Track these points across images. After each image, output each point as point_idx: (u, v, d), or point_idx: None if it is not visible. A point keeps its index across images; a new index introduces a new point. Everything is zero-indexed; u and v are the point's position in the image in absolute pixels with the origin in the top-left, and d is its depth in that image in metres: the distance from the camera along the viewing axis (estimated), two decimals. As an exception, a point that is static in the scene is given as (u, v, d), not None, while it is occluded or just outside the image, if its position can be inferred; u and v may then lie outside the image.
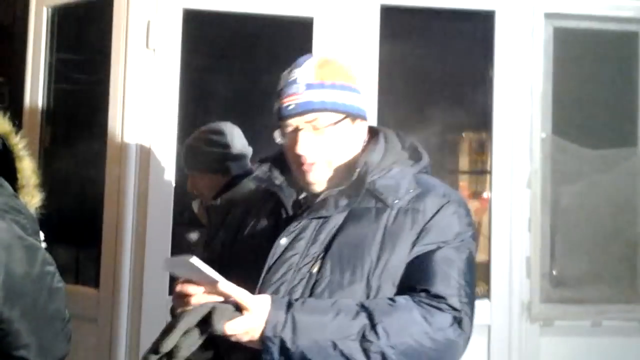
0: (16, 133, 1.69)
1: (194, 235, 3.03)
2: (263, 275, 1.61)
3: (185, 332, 1.44)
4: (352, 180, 1.69)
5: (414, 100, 3.70)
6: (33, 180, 1.69)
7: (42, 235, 1.69)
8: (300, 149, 1.71)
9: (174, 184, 3.22)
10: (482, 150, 3.86)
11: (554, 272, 3.58)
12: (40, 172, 3.51)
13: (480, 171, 3.94)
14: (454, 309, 1.56)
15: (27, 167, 1.68)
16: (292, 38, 3.56)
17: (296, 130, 1.72)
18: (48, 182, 3.50)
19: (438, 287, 1.57)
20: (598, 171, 3.61)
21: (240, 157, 2.60)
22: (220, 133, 2.58)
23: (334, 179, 1.72)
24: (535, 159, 3.51)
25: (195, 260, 1.45)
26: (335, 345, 1.47)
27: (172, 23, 3.39)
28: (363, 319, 1.50)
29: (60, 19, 3.73)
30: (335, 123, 1.72)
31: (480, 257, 3.25)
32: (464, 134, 3.97)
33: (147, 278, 3.29)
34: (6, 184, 1.60)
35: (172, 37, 3.39)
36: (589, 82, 3.66)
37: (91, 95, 3.69)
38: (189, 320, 1.46)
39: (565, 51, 3.62)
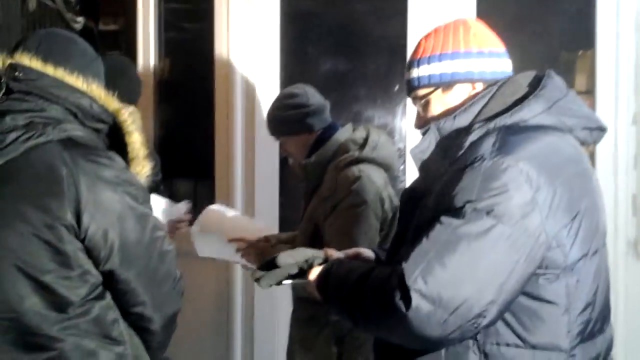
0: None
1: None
2: None
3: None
4: None
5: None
6: (142, 152, 1.82)
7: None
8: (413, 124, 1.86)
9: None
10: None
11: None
12: (155, 120, 3.79)
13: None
14: None
15: (136, 140, 1.82)
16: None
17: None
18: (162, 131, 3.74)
19: None
20: None
21: (318, 113, 2.70)
22: (294, 96, 2.71)
23: None
24: (640, 95, 3.42)
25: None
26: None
27: (271, -24, 3.50)
28: None
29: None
30: (423, 97, 1.78)
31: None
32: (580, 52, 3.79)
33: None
34: (118, 158, 1.76)
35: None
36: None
37: (198, 44, 3.87)
38: (293, 255, 1.76)
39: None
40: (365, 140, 2.65)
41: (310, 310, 2.70)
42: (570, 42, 3.54)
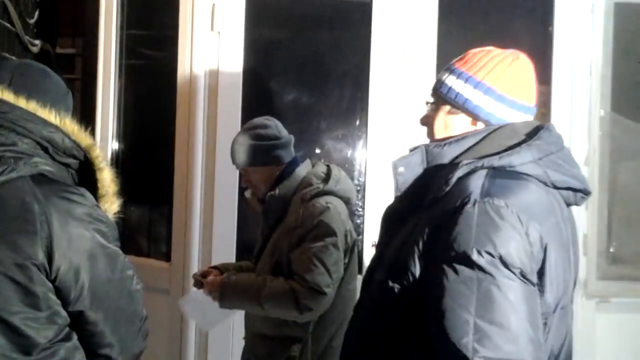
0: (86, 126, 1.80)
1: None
2: None
3: None
4: None
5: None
6: (112, 188, 1.79)
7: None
8: None
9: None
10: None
11: (611, 250, 3.60)
12: (115, 151, 3.74)
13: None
14: None
15: (107, 177, 1.79)
16: (353, 19, 3.64)
17: None
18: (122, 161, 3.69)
19: None
20: (658, 148, 3.60)
21: (287, 146, 2.74)
22: (265, 127, 2.73)
23: None
24: (593, 137, 3.52)
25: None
26: None
27: (235, 6, 3.51)
28: None
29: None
30: (436, 103, 1.80)
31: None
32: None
33: (215, 251, 3.47)
34: (89, 195, 1.72)
35: (235, 20, 3.50)
36: (649, 59, 3.64)
37: (160, 71, 3.85)
38: None
39: (626, 27, 3.60)
40: (328, 174, 2.70)
41: (270, 347, 2.69)
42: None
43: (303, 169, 2.72)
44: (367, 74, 3.51)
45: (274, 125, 2.73)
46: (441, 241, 1.55)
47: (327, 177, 2.68)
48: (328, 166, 2.76)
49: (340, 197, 2.68)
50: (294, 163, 2.73)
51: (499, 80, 1.72)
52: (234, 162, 2.75)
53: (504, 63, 1.74)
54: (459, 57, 1.80)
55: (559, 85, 3.53)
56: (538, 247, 1.55)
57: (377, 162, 3.51)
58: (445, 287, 1.52)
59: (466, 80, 1.73)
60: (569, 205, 1.76)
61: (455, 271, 1.51)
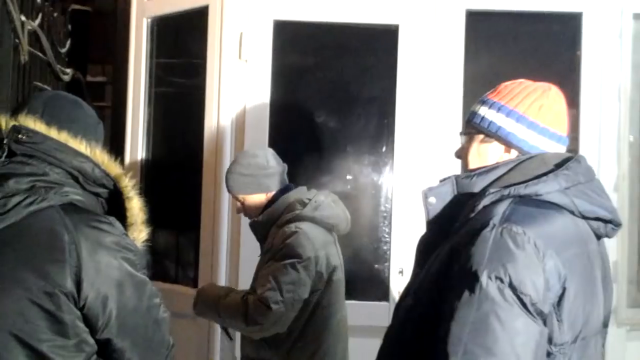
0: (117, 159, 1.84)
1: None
2: None
3: None
4: None
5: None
6: (140, 217, 1.83)
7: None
8: None
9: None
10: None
11: (642, 277, 3.55)
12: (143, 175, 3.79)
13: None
14: None
15: (136, 205, 1.82)
16: (379, 46, 3.66)
17: None
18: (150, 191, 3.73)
19: None
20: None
21: (275, 175, 2.84)
22: (255, 156, 2.85)
23: None
24: (622, 163, 3.49)
25: None
26: None
27: (263, 34, 3.55)
28: None
29: (160, 29, 3.95)
30: (469, 134, 1.83)
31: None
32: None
33: (241, 276, 3.49)
34: (117, 224, 1.75)
35: (263, 48, 3.54)
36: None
37: (188, 98, 3.90)
38: None
39: (655, 52, 3.58)
40: (310, 200, 2.78)
41: None
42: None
43: (291, 196, 2.81)
44: (393, 100, 3.52)
45: (263, 155, 2.85)
46: (456, 264, 1.57)
47: (308, 203, 2.76)
48: (316, 193, 2.84)
49: (318, 223, 2.76)
50: (284, 191, 2.83)
51: (531, 109, 1.74)
52: (227, 189, 2.89)
53: (535, 93, 1.76)
54: (492, 90, 1.83)
55: (587, 111, 3.51)
56: (555, 277, 1.54)
57: (403, 189, 3.50)
58: (452, 307, 1.54)
59: (499, 110, 1.76)
60: (599, 237, 1.75)
61: (463, 291, 1.52)
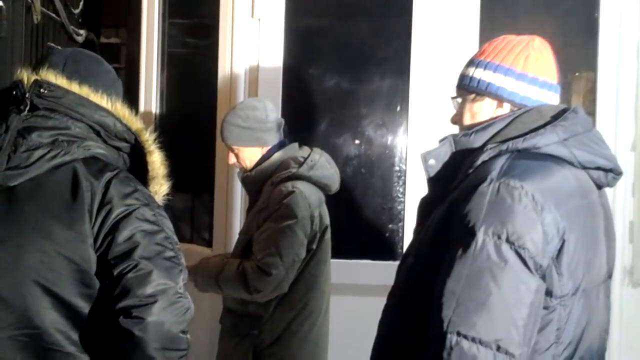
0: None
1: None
2: None
3: None
4: None
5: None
6: (162, 171, 1.85)
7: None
8: None
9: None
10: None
11: (658, 237, 3.53)
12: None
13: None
14: None
15: (157, 159, 1.84)
16: (392, 6, 3.61)
17: None
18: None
19: None
20: None
21: (273, 129, 2.80)
22: (255, 108, 2.79)
23: None
24: (640, 122, 3.44)
25: None
26: None
27: (276, -7, 3.51)
28: None
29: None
30: (460, 96, 1.84)
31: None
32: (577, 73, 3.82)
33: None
34: (134, 179, 1.78)
35: (276, 7, 3.51)
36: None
37: (202, 59, 3.88)
38: None
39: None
40: (305, 159, 2.75)
41: (234, 321, 2.80)
42: (569, 62, 3.55)
43: (284, 153, 2.77)
44: (408, 61, 3.48)
45: (263, 108, 2.80)
46: (454, 219, 1.58)
47: (303, 162, 2.73)
48: (311, 151, 2.81)
49: (314, 183, 2.74)
50: (280, 146, 2.79)
51: (517, 61, 1.74)
52: (222, 138, 2.83)
53: (520, 46, 1.76)
54: (478, 51, 1.83)
55: (605, 70, 3.45)
56: (554, 230, 1.54)
57: (418, 149, 3.47)
58: (448, 261, 1.55)
59: (485, 67, 1.76)
60: (600, 187, 1.74)
61: (460, 246, 1.53)
